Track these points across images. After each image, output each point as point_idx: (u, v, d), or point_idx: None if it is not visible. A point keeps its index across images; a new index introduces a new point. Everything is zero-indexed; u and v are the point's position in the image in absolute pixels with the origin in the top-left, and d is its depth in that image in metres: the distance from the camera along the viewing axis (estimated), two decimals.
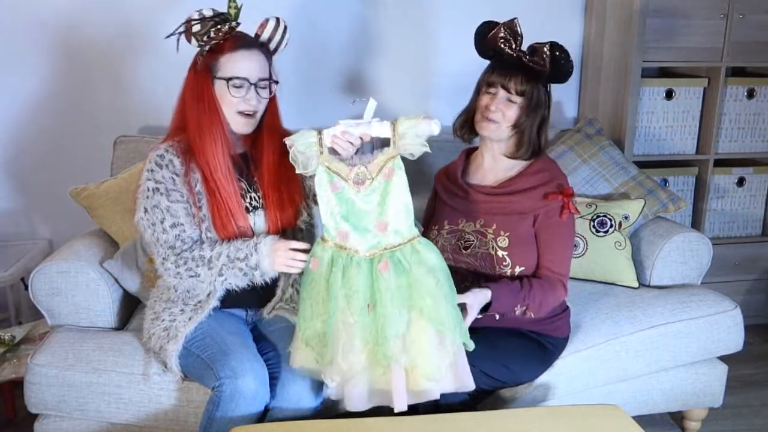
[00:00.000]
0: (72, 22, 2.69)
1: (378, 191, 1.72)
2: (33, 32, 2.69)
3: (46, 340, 2.08)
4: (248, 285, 1.90)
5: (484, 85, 1.94)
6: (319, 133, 1.74)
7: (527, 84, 1.87)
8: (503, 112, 1.90)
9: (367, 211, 1.73)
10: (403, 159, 1.75)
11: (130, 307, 2.31)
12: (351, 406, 1.74)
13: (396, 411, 1.70)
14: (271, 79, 1.93)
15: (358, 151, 1.79)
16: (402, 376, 1.71)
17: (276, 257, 1.84)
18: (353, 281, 1.71)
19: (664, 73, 3.09)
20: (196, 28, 1.85)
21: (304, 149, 1.73)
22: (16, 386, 2.31)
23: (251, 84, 1.88)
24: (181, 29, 1.87)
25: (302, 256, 1.82)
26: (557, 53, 1.84)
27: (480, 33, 1.96)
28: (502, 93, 1.89)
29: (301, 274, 1.85)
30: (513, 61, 1.88)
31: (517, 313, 1.90)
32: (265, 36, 1.93)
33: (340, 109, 2.89)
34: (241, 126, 1.92)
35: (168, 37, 1.87)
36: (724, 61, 2.87)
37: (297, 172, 1.80)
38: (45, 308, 2.15)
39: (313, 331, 1.76)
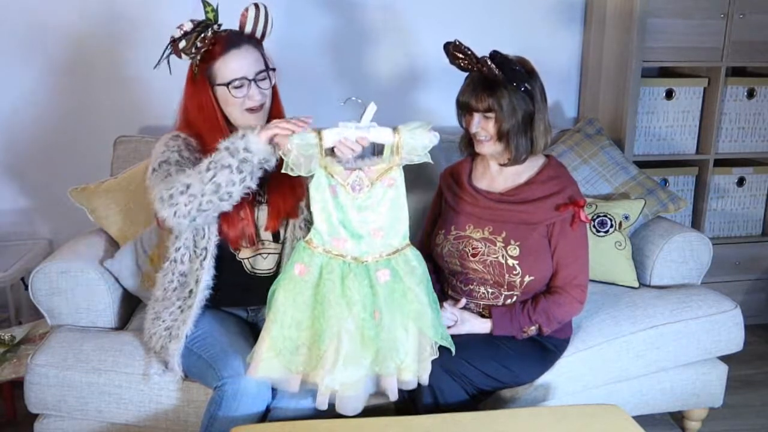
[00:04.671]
0: (71, 22, 2.69)
1: (375, 198, 1.71)
2: (32, 33, 2.69)
3: (46, 340, 2.08)
4: (242, 184, 1.74)
5: (457, 106, 1.95)
6: (319, 133, 1.69)
7: (490, 97, 1.85)
8: (483, 128, 1.91)
9: (361, 218, 1.72)
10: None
11: (130, 307, 2.31)
12: (347, 411, 1.74)
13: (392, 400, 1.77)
14: (268, 69, 1.91)
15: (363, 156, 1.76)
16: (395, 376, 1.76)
17: (266, 127, 1.73)
18: (353, 290, 1.70)
19: (664, 73, 3.09)
20: (182, 44, 1.83)
21: (304, 151, 1.67)
22: (16, 386, 2.31)
23: (250, 80, 1.87)
24: (168, 52, 1.86)
25: (303, 124, 1.70)
26: (497, 59, 1.83)
27: (447, 53, 1.96)
28: (475, 114, 1.90)
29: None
30: (476, 77, 1.89)
31: (532, 331, 1.95)
32: (249, 26, 1.90)
33: (330, 106, 2.89)
34: (252, 120, 1.90)
35: (157, 66, 1.86)
36: (724, 61, 2.87)
37: (283, 170, 1.70)
38: (45, 308, 2.15)
39: (286, 339, 1.72)
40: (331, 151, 1.74)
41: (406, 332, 1.73)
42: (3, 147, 2.79)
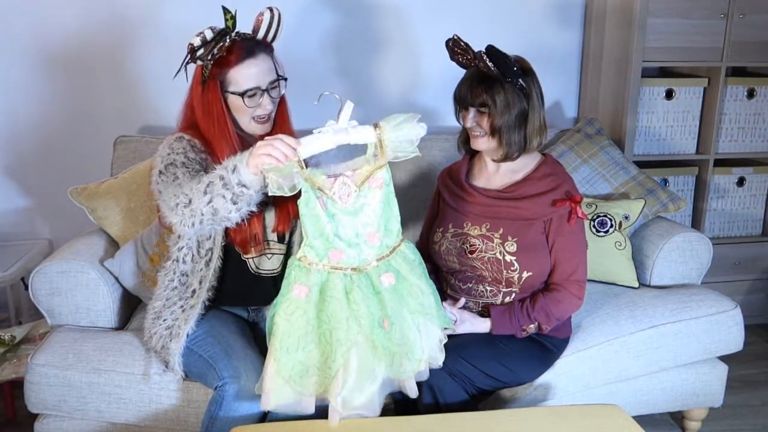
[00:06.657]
0: (71, 23, 2.69)
1: (365, 202, 1.64)
2: (33, 33, 2.69)
3: (46, 340, 2.08)
4: (238, 212, 1.70)
5: (454, 102, 1.97)
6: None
7: (485, 92, 1.87)
8: (478, 123, 1.92)
9: (354, 224, 1.66)
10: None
11: (131, 307, 2.31)
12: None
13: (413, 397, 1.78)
14: (279, 78, 1.91)
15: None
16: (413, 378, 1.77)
17: (254, 155, 1.61)
18: (359, 303, 1.65)
19: (664, 73, 3.09)
20: (200, 53, 1.81)
21: (281, 170, 1.55)
22: (16, 386, 2.31)
23: (264, 90, 1.86)
24: (186, 60, 1.84)
25: (290, 141, 1.59)
26: (493, 54, 1.84)
27: (448, 48, 1.97)
28: (471, 108, 1.92)
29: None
30: (473, 72, 1.91)
31: (531, 329, 1.95)
32: (262, 30, 1.89)
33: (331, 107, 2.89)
34: (258, 130, 1.91)
35: (177, 75, 1.83)
36: (724, 61, 2.87)
37: (271, 193, 1.60)
38: (45, 308, 2.15)
39: (295, 363, 1.65)
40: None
41: (419, 331, 1.74)
42: (3, 147, 2.79)
